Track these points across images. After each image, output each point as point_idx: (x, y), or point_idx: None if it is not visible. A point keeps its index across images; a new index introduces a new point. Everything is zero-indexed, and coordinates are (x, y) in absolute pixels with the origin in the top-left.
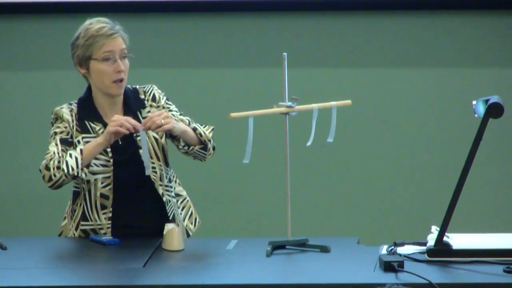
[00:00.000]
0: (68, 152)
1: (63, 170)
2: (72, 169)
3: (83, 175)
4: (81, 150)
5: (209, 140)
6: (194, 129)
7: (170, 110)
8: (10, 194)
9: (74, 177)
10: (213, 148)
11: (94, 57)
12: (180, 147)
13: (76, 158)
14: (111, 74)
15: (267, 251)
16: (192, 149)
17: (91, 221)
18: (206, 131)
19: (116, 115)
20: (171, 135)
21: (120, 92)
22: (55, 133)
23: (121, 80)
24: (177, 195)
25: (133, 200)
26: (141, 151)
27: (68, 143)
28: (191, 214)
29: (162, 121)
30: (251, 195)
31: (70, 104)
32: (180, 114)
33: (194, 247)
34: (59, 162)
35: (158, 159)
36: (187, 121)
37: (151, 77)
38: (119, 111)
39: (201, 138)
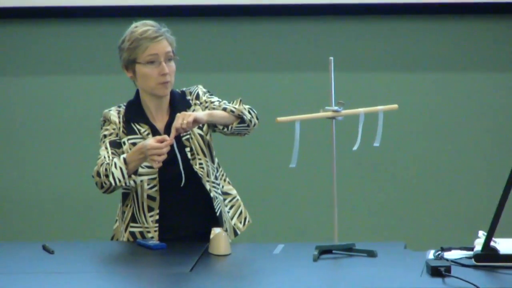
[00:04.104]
0: (113, 161)
1: (110, 182)
2: (119, 180)
3: (132, 183)
4: (124, 160)
5: (244, 113)
6: (224, 109)
7: (212, 102)
8: (61, 198)
9: (123, 186)
10: (256, 118)
11: (139, 61)
12: (220, 130)
13: (121, 169)
14: (156, 77)
15: (314, 255)
16: (231, 127)
17: (139, 223)
18: (235, 105)
19: (151, 142)
20: (212, 126)
21: (166, 93)
22: (104, 136)
23: (167, 82)
24: (226, 193)
25: (179, 199)
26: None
27: (117, 145)
28: (241, 213)
29: (184, 121)
30: (298, 200)
31: (119, 107)
32: (220, 102)
33: (241, 251)
34: (106, 170)
35: (205, 155)
36: (223, 104)
37: (198, 81)
38: (165, 112)
39: (234, 114)
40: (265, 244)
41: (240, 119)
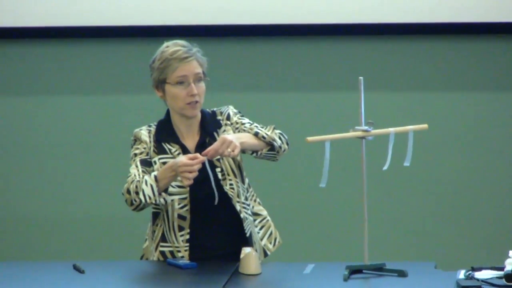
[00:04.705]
0: (144, 179)
1: (140, 199)
2: (149, 197)
3: (162, 201)
4: (155, 177)
5: (275, 140)
6: (256, 134)
7: (243, 123)
8: (90, 217)
9: (153, 204)
10: (287, 143)
11: (168, 81)
12: (249, 154)
13: (152, 186)
14: (185, 97)
15: (344, 275)
16: (260, 154)
17: (170, 242)
18: (267, 132)
19: (182, 160)
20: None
21: (195, 114)
22: (135, 155)
23: (195, 102)
24: (256, 214)
25: (210, 219)
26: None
27: (148, 164)
28: (271, 233)
29: (229, 149)
30: (328, 219)
31: (149, 126)
32: (251, 124)
33: (271, 271)
34: (137, 187)
35: (235, 176)
36: (255, 128)
37: (227, 101)
38: (196, 132)
39: (265, 141)
40: (295, 263)
41: (270, 146)
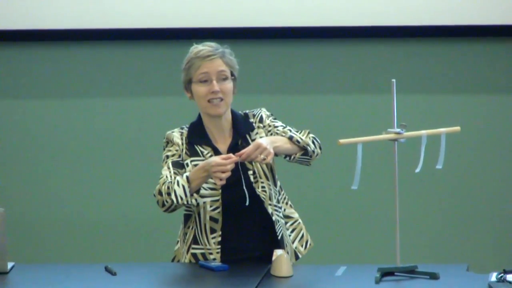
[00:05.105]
0: (176, 179)
1: (172, 200)
2: (181, 198)
3: (194, 201)
4: (187, 178)
5: (309, 145)
6: (290, 138)
7: (276, 126)
8: (121, 220)
9: (185, 204)
10: (320, 148)
11: (193, 80)
12: (282, 157)
13: (184, 187)
14: (206, 94)
15: (376, 277)
16: (294, 158)
17: (201, 244)
18: (302, 136)
19: (215, 159)
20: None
21: (218, 112)
22: (167, 157)
23: (219, 100)
24: (287, 217)
25: (242, 222)
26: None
27: (179, 166)
28: (302, 236)
29: (262, 156)
30: (360, 221)
31: (182, 128)
32: (284, 127)
33: (303, 273)
34: (168, 188)
35: (267, 179)
36: (288, 131)
37: (259, 103)
38: (228, 134)
39: (299, 145)
40: (327, 266)
41: (304, 150)
